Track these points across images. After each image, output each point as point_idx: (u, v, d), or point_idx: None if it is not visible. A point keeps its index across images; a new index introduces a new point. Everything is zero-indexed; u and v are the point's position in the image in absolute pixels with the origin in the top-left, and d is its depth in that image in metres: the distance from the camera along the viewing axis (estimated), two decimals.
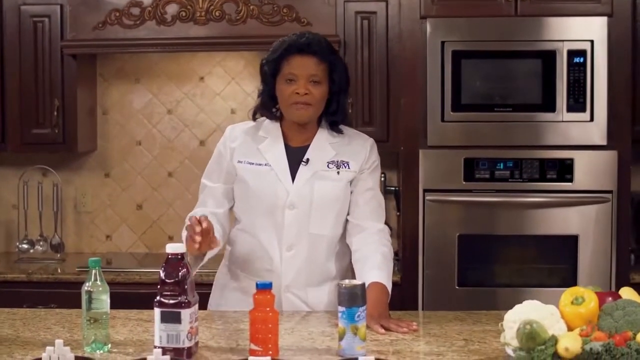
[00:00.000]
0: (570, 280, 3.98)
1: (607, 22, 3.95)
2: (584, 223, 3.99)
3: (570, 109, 3.97)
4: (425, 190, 4.00)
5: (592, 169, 3.98)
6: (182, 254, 2.39)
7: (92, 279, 2.44)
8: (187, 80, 4.74)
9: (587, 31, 3.96)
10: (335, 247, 3.04)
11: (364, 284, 2.41)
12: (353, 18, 4.24)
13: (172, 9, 4.23)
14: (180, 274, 2.36)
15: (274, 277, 2.98)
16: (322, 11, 4.22)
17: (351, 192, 3.03)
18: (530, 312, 2.23)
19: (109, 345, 2.44)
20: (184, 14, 4.21)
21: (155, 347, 2.36)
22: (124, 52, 4.51)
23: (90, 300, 2.43)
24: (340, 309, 2.39)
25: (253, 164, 3.02)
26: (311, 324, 2.79)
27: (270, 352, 2.35)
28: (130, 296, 3.98)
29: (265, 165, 3.01)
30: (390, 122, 4.26)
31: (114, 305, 2.92)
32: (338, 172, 3.00)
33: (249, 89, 4.72)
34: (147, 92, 4.75)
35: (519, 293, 3.98)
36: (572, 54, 3.96)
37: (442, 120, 3.99)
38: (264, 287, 2.40)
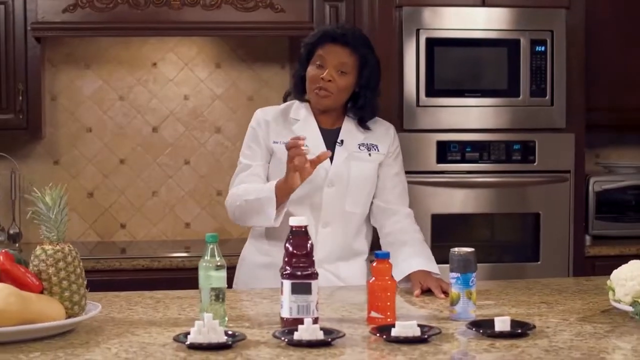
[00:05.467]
0: (533, 255, 4.27)
1: (565, 13, 4.25)
2: (545, 201, 4.27)
3: (532, 94, 4.24)
4: None
5: (552, 151, 4.27)
6: (306, 227, 2.43)
7: (209, 255, 2.44)
8: (139, 66, 4.68)
9: (548, 22, 4.24)
10: (363, 224, 3.19)
11: (474, 250, 2.54)
12: (322, 5, 4.33)
13: None
14: (308, 245, 2.41)
15: None
16: None
17: (378, 176, 3.19)
18: (638, 270, 2.45)
19: (226, 320, 2.45)
20: None
21: (284, 319, 2.40)
22: (94, 36, 4.41)
23: (207, 276, 2.43)
24: (454, 275, 2.51)
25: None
26: None
27: (389, 319, 2.45)
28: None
29: None
30: None
31: None
32: (369, 154, 3.16)
33: (203, 75, 4.72)
34: (98, 78, 4.65)
35: (490, 268, 4.23)
36: (534, 43, 4.24)
37: (417, 105, 4.16)
38: (383, 257, 2.49)
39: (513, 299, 2.82)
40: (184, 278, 4.01)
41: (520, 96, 4.23)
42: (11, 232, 4.39)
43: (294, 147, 2.83)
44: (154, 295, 2.88)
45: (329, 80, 3.04)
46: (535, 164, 4.25)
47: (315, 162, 2.87)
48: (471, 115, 4.21)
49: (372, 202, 3.20)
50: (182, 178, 4.74)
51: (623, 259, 4.27)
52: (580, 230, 4.34)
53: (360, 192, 3.14)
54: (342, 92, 3.08)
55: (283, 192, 2.93)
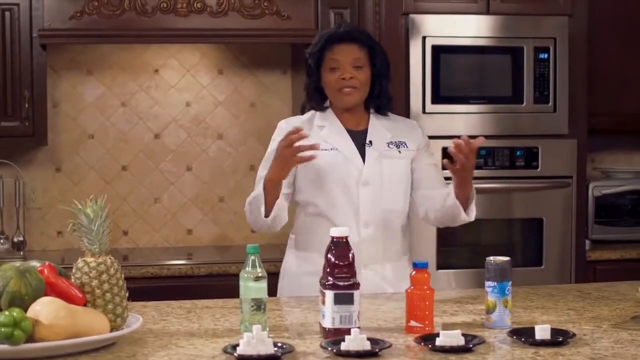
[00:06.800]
0: (537, 259, 4.33)
1: (568, 21, 4.31)
2: (548, 206, 4.33)
3: (536, 100, 4.30)
4: None
5: (555, 157, 4.33)
6: (347, 237, 2.45)
7: (251, 266, 2.45)
8: (141, 73, 4.67)
9: (551, 29, 4.30)
10: (405, 222, 3.23)
11: (510, 259, 2.58)
12: (327, 12, 4.35)
13: (152, 0, 4.18)
14: (350, 255, 2.43)
15: None
16: (301, 5, 4.30)
17: (413, 170, 3.23)
18: None
19: (267, 330, 2.46)
20: (164, 5, 4.17)
21: (326, 329, 2.41)
22: (102, 43, 4.40)
23: (247, 287, 2.45)
24: (490, 284, 2.54)
25: (319, 150, 3.12)
26: None
27: (428, 328, 2.48)
28: None
29: (332, 149, 3.15)
30: None
31: None
32: (399, 151, 3.21)
33: (205, 81, 4.72)
34: (100, 84, 4.64)
35: None
36: (537, 50, 4.29)
37: (423, 112, 4.20)
38: (422, 267, 2.52)
39: (539, 305, 2.86)
40: (191, 286, 4.05)
41: (524, 103, 4.28)
42: (15, 240, 4.36)
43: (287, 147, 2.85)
44: (182, 305, 2.89)
45: (351, 77, 3.09)
46: (538, 170, 4.31)
47: (305, 159, 2.87)
48: (476, 121, 4.26)
49: (413, 197, 3.24)
50: (184, 184, 4.74)
51: (624, 263, 4.41)
52: (582, 235, 4.40)
53: (396, 189, 3.19)
54: (365, 85, 3.15)
55: (271, 185, 2.97)
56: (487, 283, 2.55)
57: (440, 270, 4.22)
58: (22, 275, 2.24)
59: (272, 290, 2.83)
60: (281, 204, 3.05)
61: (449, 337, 2.28)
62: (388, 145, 3.19)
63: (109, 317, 2.35)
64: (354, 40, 3.13)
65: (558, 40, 4.29)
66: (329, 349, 2.25)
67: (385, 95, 3.22)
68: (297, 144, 2.84)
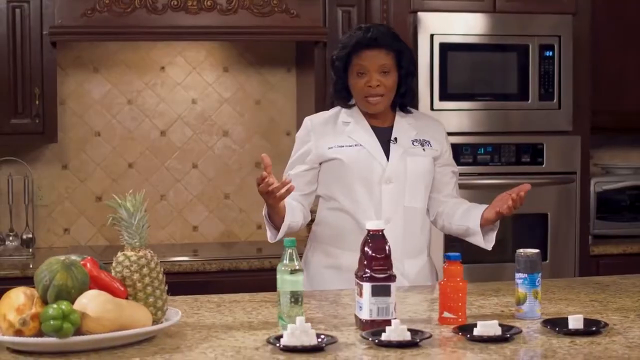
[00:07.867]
0: (542, 254, 4.34)
1: (572, 19, 4.37)
2: (553, 202, 4.39)
3: (541, 98, 4.36)
4: None
5: (560, 153, 4.40)
6: (383, 230, 2.49)
7: (288, 259, 2.48)
8: (147, 70, 4.69)
9: (556, 28, 4.37)
10: (425, 220, 3.27)
11: (539, 252, 2.63)
12: (335, 10, 4.39)
13: None
14: (386, 248, 2.47)
15: None
16: (309, 3, 4.34)
17: (436, 172, 3.27)
18: None
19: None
20: (175, 2, 4.19)
21: (363, 320, 2.45)
22: (113, 40, 4.41)
23: (283, 280, 2.48)
24: (521, 275, 2.60)
25: (343, 146, 3.17)
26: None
27: (460, 320, 2.52)
28: None
29: (356, 145, 3.17)
30: None
31: None
32: (424, 149, 3.23)
33: (210, 79, 4.75)
34: (106, 82, 4.65)
35: (501, 268, 4.34)
36: (542, 48, 4.36)
37: (431, 109, 4.25)
38: (455, 259, 2.57)
39: (562, 297, 2.91)
40: (202, 282, 4.07)
41: (529, 100, 4.34)
42: (24, 237, 4.37)
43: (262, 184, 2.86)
44: (211, 299, 2.91)
45: (377, 85, 3.12)
46: (543, 166, 4.37)
47: (280, 187, 2.86)
48: (482, 118, 4.32)
49: (430, 197, 3.28)
50: (190, 182, 4.76)
51: (626, 258, 4.48)
52: (585, 230, 4.47)
53: (419, 187, 3.21)
54: (391, 90, 3.17)
55: (273, 211, 3.00)
56: (518, 275, 2.61)
57: None
58: (68, 269, 2.26)
59: None
60: (293, 212, 3.09)
61: (487, 327, 2.32)
62: (413, 143, 3.21)
63: (150, 310, 2.38)
64: (381, 46, 3.14)
65: (563, 38, 4.35)
66: (370, 339, 2.29)
67: (410, 94, 3.25)
68: (270, 188, 2.84)
